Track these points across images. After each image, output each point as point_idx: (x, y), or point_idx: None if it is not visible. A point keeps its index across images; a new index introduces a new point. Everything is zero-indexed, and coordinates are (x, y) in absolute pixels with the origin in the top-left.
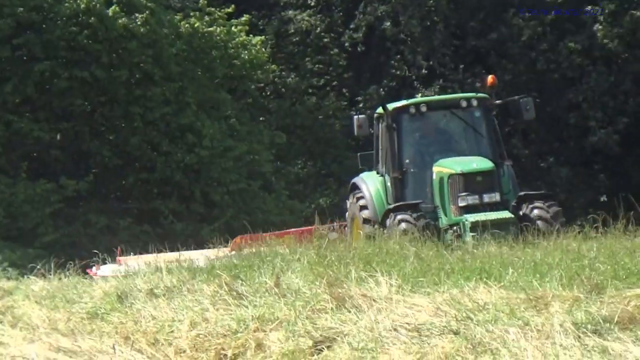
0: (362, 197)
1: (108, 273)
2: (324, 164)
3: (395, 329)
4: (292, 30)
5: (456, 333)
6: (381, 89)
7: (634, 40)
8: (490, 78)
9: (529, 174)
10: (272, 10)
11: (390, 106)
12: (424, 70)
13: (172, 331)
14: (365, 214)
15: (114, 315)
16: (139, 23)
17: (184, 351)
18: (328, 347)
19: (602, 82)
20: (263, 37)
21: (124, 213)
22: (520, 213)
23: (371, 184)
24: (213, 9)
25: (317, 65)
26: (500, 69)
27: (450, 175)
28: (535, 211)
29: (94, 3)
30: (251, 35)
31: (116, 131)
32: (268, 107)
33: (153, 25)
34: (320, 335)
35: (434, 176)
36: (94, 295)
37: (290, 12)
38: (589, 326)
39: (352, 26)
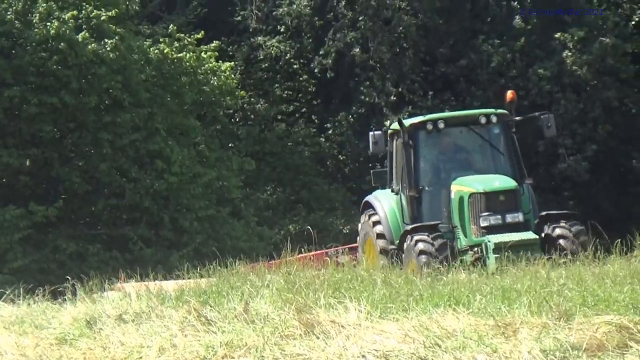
0: (377, 220)
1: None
2: (293, 190)
3: (363, 356)
4: (262, 57)
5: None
6: (350, 116)
7: (603, 67)
8: (510, 93)
9: None
10: (241, 36)
11: (407, 122)
12: (393, 97)
13: (140, 357)
14: (379, 229)
15: (82, 341)
16: (108, 49)
17: None
18: None
19: (572, 109)
20: (232, 63)
21: (93, 239)
22: (543, 234)
23: (386, 203)
24: (182, 35)
25: (286, 92)
26: (470, 96)
27: (472, 194)
28: (558, 230)
29: (63, 29)
30: (220, 62)
31: (85, 157)
32: (237, 133)
33: (122, 51)
34: None
35: (453, 195)
36: (63, 320)
37: (260, 38)
38: (557, 353)
39: (321, 52)
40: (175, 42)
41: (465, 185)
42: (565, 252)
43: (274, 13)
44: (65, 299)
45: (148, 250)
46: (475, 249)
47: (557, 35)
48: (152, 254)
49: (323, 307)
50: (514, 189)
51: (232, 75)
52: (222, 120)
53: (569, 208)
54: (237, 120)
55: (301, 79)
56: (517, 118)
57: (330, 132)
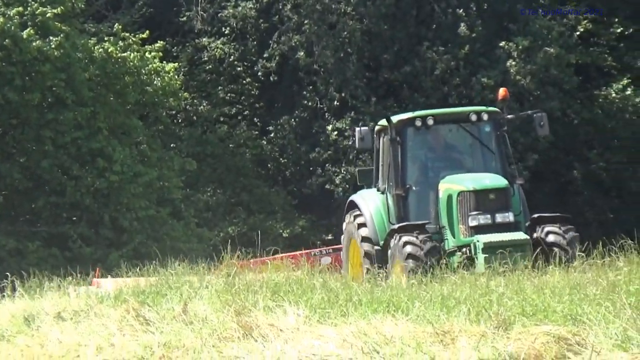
0: (362, 222)
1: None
2: (233, 192)
3: None
4: (206, 58)
5: None
6: (292, 119)
7: (547, 78)
8: (502, 91)
9: None
10: (186, 37)
11: (395, 118)
12: (336, 102)
13: (78, 356)
14: (364, 232)
15: (20, 337)
16: (53, 46)
17: None
18: None
19: (514, 119)
20: (176, 64)
21: (32, 236)
22: (534, 236)
23: (371, 203)
24: (127, 34)
25: (229, 94)
26: (413, 103)
27: (460, 193)
28: (551, 237)
29: (8, 25)
30: (164, 62)
31: (27, 154)
32: (179, 134)
33: (67, 49)
34: None
35: (441, 194)
36: (1, 317)
37: (205, 39)
38: None
39: (265, 55)
40: (120, 42)
41: (454, 184)
42: (554, 247)
43: (219, 15)
44: (4, 296)
45: (87, 249)
46: (464, 249)
47: (502, 44)
48: (91, 253)
49: (262, 310)
50: (505, 187)
51: (176, 76)
52: (164, 120)
53: None
54: (180, 121)
55: (244, 81)
56: (509, 116)
57: (272, 135)
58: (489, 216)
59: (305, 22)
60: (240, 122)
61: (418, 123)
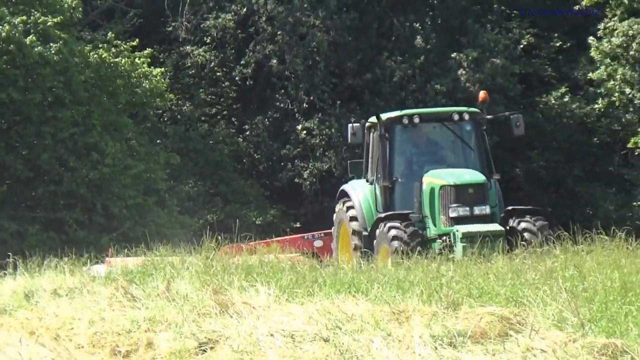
0: (351, 205)
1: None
2: (212, 184)
3: (272, 335)
4: (189, 64)
5: (326, 340)
6: (266, 119)
7: (493, 85)
8: (482, 93)
9: None
10: (171, 45)
11: (384, 116)
12: (305, 104)
13: (72, 328)
14: (355, 225)
15: (20, 311)
16: (53, 52)
17: (83, 347)
18: (211, 348)
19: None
20: (163, 69)
21: (32, 221)
22: (508, 227)
23: (360, 192)
24: (119, 42)
25: (210, 96)
26: (374, 106)
27: (442, 187)
28: (522, 224)
29: (13, 32)
30: (152, 67)
31: (29, 147)
32: (165, 131)
33: (65, 54)
34: (205, 337)
35: (424, 186)
36: (3, 293)
37: (188, 47)
38: (445, 339)
39: (242, 62)
40: (113, 48)
41: (436, 178)
42: (529, 244)
43: (201, 25)
44: (6, 274)
45: (81, 233)
46: (444, 237)
47: (454, 54)
48: (85, 236)
49: (237, 289)
50: (483, 183)
51: (162, 80)
52: (151, 119)
53: None
54: (165, 119)
55: (223, 85)
56: (488, 117)
57: (247, 133)
58: (467, 208)
59: (279, 33)
60: (219, 121)
61: (405, 121)
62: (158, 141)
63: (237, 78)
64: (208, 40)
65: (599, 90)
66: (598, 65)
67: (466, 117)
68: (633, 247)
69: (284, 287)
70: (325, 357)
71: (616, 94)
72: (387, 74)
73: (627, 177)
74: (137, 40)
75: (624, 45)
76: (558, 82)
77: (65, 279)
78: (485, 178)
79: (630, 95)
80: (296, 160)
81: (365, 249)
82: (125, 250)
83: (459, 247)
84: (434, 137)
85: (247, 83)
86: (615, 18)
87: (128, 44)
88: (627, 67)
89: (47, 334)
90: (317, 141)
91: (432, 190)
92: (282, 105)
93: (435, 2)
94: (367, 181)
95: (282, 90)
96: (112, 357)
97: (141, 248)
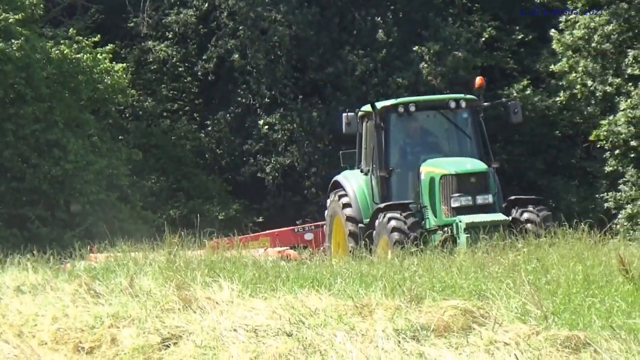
0: (345, 195)
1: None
2: (175, 179)
3: (235, 330)
4: (151, 59)
5: (289, 335)
6: (228, 115)
7: (455, 78)
8: (478, 79)
9: None
10: (133, 40)
11: (379, 105)
12: (266, 99)
13: (35, 325)
14: (349, 211)
15: None
16: (14, 48)
17: (46, 343)
18: (174, 343)
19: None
20: (124, 64)
21: None
22: (510, 217)
23: (354, 182)
24: (81, 38)
25: (171, 92)
26: (335, 100)
27: (443, 176)
28: (525, 214)
29: None
30: (114, 63)
31: None
32: (127, 127)
33: (27, 50)
34: (168, 333)
35: (423, 176)
36: None
37: (150, 42)
38: (408, 332)
39: (204, 57)
40: (74, 44)
41: (436, 167)
42: (531, 235)
43: (163, 20)
44: None
45: (44, 229)
46: (445, 228)
47: (415, 48)
48: (47, 233)
49: (200, 285)
50: (485, 171)
51: (124, 75)
52: (113, 115)
53: None
54: (127, 115)
55: (185, 80)
56: (485, 103)
57: (209, 128)
58: (469, 198)
59: (240, 28)
60: (181, 116)
61: (401, 109)
62: (120, 137)
63: (199, 73)
64: (170, 36)
65: (560, 83)
66: (560, 57)
67: (463, 104)
68: (596, 240)
69: (247, 282)
70: (288, 351)
71: (578, 87)
72: (348, 68)
73: (589, 169)
74: (98, 36)
75: (586, 37)
76: (520, 74)
77: (28, 276)
78: (487, 166)
79: (592, 88)
80: (258, 155)
81: (360, 237)
82: (105, 247)
83: (462, 238)
84: (430, 125)
85: (209, 78)
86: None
87: (90, 40)
88: (588, 59)
89: (11, 331)
90: (279, 136)
91: (431, 180)
92: (244, 100)
93: None
94: (361, 172)
95: (244, 85)
96: (75, 354)
97: (121, 243)
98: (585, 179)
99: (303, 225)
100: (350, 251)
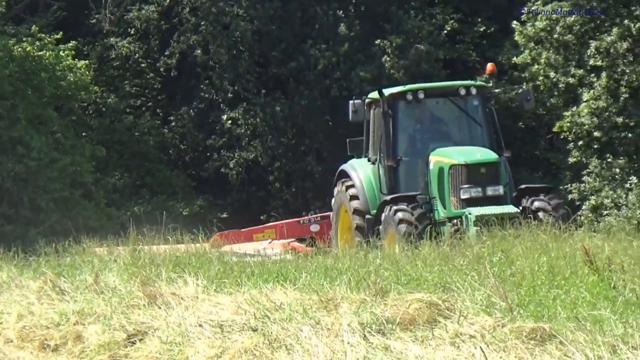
0: (352, 186)
1: None
2: (138, 176)
3: (200, 325)
4: (113, 56)
5: (255, 330)
6: (191, 110)
7: (418, 71)
8: (490, 66)
9: (321, 189)
10: (95, 37)
11: (387, 92)
12: (229, 94)
13: (1, 322)
14: (355, 204)
15: None
16: None
17: (12, 341)
18: (140, 339)
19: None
20: (87, 61)
21: None
22: (521, 207)
23: (362, 172)
24: (43, 35)
25: (134, 88)
26: (298, 95)
27: (452, 166)
28: (537, 203)
29: None
30: (77, 60)
31: None
32: (90, 124)
33: None
34: (134, 329)
35: (432, 166)
36: None
37: (112, 39)
38: (373, 326)
39: (166, 53)
40: (37, 42)
41: (445, 157)
42: (544, 224)
43: (125, 17)
44: None
45: (8, 227)
46: (455, 220)
47: (378, 41)
48: (12, 230)
49: (165, 281)
50: (496, 161)
51: (87, 72)
52: (77, 112)
53: None
54: (91, 112)
55: (148, 76)
56: (496, 90)
57: (173, 124)
58: (480, 189)
59: (202, 23)
60: (144, 112)
61: (409, 97)
62: (83, 134)
63: (161, 69)
64: (132, 32)
65: (523, 75)
66: (522, 49)
67: (473, 91)
68: (560, 231)
69: (212, 277)
70: (254, 346)
71: (541, 78)
72: (311, 63)
73: (552, 160)
74: (61, 33)
75: (548, 28)
76: (482, 67)
77: None
78: (498, 156)
79: (554, 79)
80: (222, 150)
81: (367, 230)
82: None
83: (472, 230)
84: (439, 113)
85: (172, 74)
86: (539, 2)
87: (52, 37)
88: (551, 51)
89: None
90: (243, 131)
91: (440, 170)
92: (206, 95)
93: None
94: (368, 160)
95: (207, 81)
96: (41, 351)
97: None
98: (549, 170)
99: (309, 217)
100: (357, 245)
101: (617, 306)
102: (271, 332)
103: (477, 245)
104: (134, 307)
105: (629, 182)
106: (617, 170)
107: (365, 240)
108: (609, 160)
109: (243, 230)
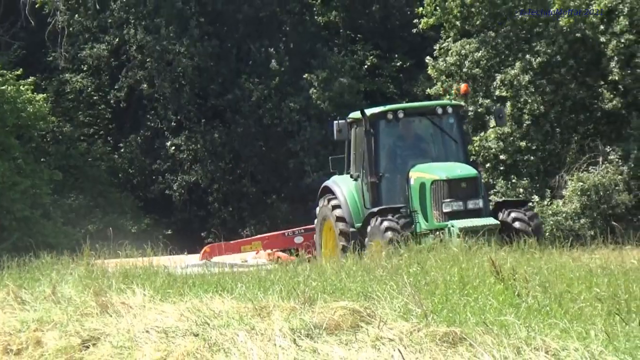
0: (335, 198)
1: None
2: (92, 197)
3: (147, 331)
4: (68, 90)
5: (196, 335)
6: (138, 137)
7: (341, 102)
8: (463, 86)
9: (256, 208)
10: (52, 73)
11: (369, 112)
12: (173, 123)
13: None
14: (339, 212)
15: None
16: None
17: None
18: (93, 344)
19: (316, 135)
20: (45, 94)
21: None
22: (499, 219)
23: (345, 187)
24: (5, 71)
25: (87, 118)
26: (234, 123)
27: (434, 181)
28: (513, 214)
29: None
30: (36, 93)
31: None
32: (48, 150)
33: None
34: (88, 335)
35: (412, 181)
36: None
37: (67, 75)
38: (302, 331)
39: (116, 87)
40: (0, 77)
41: (426, 172)
42: (520, 233)
43: (78, 55)
44: None
45: None
46: (437, 232)
47: (305, 75)
48: None
49: (115, 291)
50: (475, 176)
51: (45, 104)
52: (36, 139)
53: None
54: (48, 140)
55: (100, 108)
56: (470, 109)
57: (122, 150)
58: (461, 203)
59: (148, 60)
60: (96, 140)
61: (390, 116)
62: (42, 159)
63: (111, 101)
64: (85, 68)
65: None
66: (435, 81)
67: (449, 110)
68: (469, 245)
69: (157, 288)
70: (195, 350)
71: None
72: (246, 95)
73: None
74: (21, 69)
75: (458, 63)
76: (400, 97)
77: None
78: (477, 171)
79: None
80: (166, 174)
81: (351, 237)
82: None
83: (455, 242)
84: (418, 131)
85: (121, 105)
86: (449, 39)
87: (13, 73)
88: (460, 83)
89: None
90: (185, 156)
91: (422, 185)
92: (152, 124)
93: (288, 28)
94: (351, 177)
95: (153, 111)
96: (4, 355)
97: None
98: None
99: (293, 230)
100: (342, 250)
101: (521, 312)
102: (211, 337)
103: (395, 258)
104: (87, 315)
105: (532, 200)
106: (521, 189)
107: (350, 246)
108: (514, 180)
109: (232, 242)
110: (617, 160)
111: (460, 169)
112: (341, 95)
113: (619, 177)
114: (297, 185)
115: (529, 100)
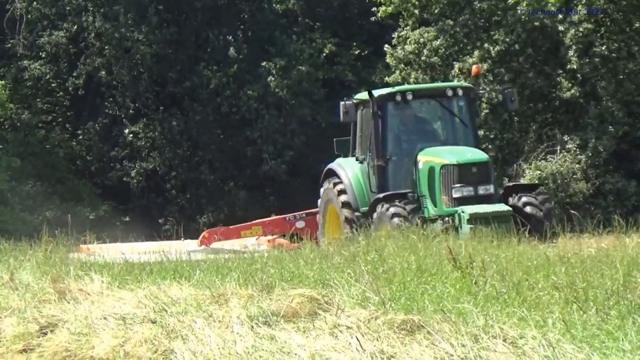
0: (340, 183)
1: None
2: (50, 184)
3: (105, 318)
4: (27, 77)
5: (154, 322)
6: (96, 125)
7: (300, 90)
8: (475, 67)
9: (214, 195)
10: (10, 60)
11: (376, 93)
12: (131, 111)
13: None
14: (344, 198)
15: None
16: None
17: None
18: (51, 331)
19: (274, 123)
20: (3, 81)
21: None
22: (510, 203)
23: (349, 170)
24: None
25: (46, 105)
26: (192, 111)
27: (444, 166)
28: (524, 198)
29: None
30: None
31: None
32: (6, 137)
33: None
34: (45, 322)
35: (421, 165)
36: None
37: (25, 62)
38: (260, 318)
39: (74, 74)
40: None
41: (436, 156)
42: (532, 218)
43: (37, 42)
44: None
45: None
46: (446, 218)
47: (264, 63)
48: None
49: (73, 278)
50: (486, 161)
51: (3, 91)
52: None
53: (270, 203)
54: (7, 127)
55: (58, 95)
56: (481, 91)
57: (80, 137)
58: (471, 188)
59: (106, 47)
60: (55, 127)
61: (398, 98)
62: (0, 146)
63: (70, 88)
64: (43, 55)
65: None
66: (393, 70)
67: (460, 92)
68: (427, 232)
69: (115, 275)
70: (153, 337)
71: None
72: (204, 82)
73: None
74: None
75: (416, 51)
76: (358, 85)
77: None
78: (488, 156)
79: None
80: (124, 161)
81: (356, 224)
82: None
83: (465, 228)
84: (427, 113)
85: (79, 92)
86: (408, 27)
87: None
88: (419, 72)
89: None
90: (143, 143)
91: (431, 170)
92: (110, 112)
93: (246, 16)
94: (356, 160)
95: (111, 99)
96: None
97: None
98: None
99: (294, 214)
100: (346, 237)
101: (479, 300)
102: (168, 324)
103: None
104: (45, 302)
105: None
106: None
107: (354, 233)
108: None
109: (232, 227)
110: (575, 149)
111: (471, 153)
112: (299, 83)
113: (577, 165)
114: (255, 172)
115: (487, 89)
